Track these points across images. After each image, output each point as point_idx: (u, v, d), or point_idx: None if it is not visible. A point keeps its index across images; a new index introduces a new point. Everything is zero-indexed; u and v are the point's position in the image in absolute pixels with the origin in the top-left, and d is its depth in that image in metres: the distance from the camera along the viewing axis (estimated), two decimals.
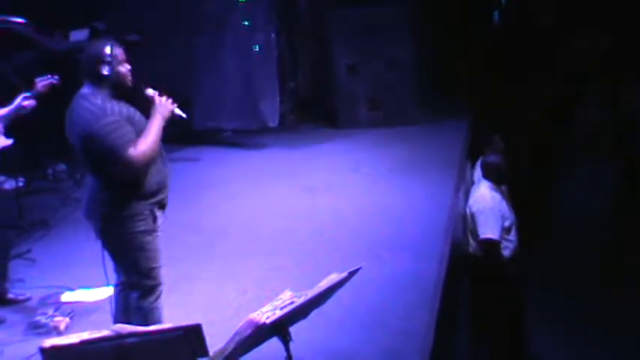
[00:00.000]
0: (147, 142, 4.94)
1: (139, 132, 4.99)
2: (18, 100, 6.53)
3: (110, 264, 5.28)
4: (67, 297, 6.68)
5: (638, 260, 9.76)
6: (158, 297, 5.22)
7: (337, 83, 11.56)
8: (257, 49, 11.02)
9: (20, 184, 8.54)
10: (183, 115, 5.24)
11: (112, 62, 5.02)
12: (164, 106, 5.11)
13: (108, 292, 6.59)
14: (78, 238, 8.00)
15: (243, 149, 10.70)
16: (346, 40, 11.37)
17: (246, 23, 10.98)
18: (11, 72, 8.67)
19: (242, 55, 11.00)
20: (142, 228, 5.07)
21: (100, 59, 5.02)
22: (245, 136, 10.99)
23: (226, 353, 4.01)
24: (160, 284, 5.22)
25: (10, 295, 6.66)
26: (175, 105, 5.18)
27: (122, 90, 5.09)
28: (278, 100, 11.00)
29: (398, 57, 11.28)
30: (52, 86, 6.65)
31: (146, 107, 5.11)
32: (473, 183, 8.82)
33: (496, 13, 14.44)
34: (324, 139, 11.07)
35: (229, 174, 9.75)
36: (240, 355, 4.11)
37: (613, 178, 11.86)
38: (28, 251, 7.60)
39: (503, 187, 8.20)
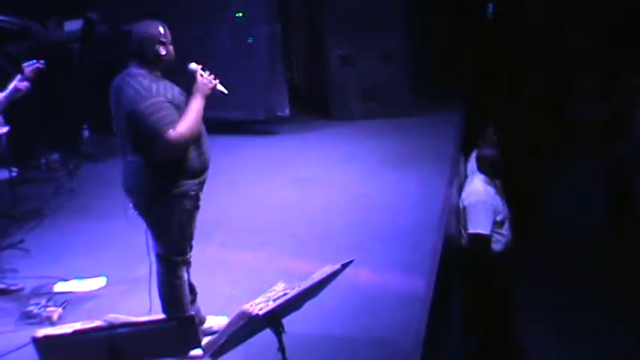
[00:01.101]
0: (186, 124, 5.00)
1: (183, 112, 5.07)
2: (13, 84, 6.52)
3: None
4: (60, 287, 6.67)
5: (633, 258, 9.79)
6: (183, 272, 5.35)
7: (330, 74, 11.54)
8: (251, 40, 11.05)
9: (13, 173, 8.53)
10: (225, 91, 5.29)
11: (165, 42, 5.14)
12: (205, 83, 5.17)
13: (101, 282, 6.65)
14: (71, 228, 8.06)
15: (236, 140, 10.68)
16: (339, 30, 11.36)
17: (240, 15, 11.00)
18: (5, 63, 8.66)
19: (245, 46, 11.06)
20: (188, 207, 5.20)
21: (157, 39, 5.11)
22: (237, 127, 10.98)
23: (219, 344, 4.02)
24: (188, 258, 5.36)
25: (2, 285, 6.66)
26: (217, 81, 5.23)
27: (168, 68, 5.18)
28: (286, 89, 11.13)
29: (392, 48, 11.26)
30: (38, 71, 6.64)
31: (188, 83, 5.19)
32: (466, 176, 8.83)
33: (490, 6, 14.41)
34: (317, 131, 11.06)
35: (221, 165, 9.66)
36: (233, 347, 4.13)
37: (607, 174, 11.85)
38: (22, 241, 7.59)
39: (497, 181, 8.21)
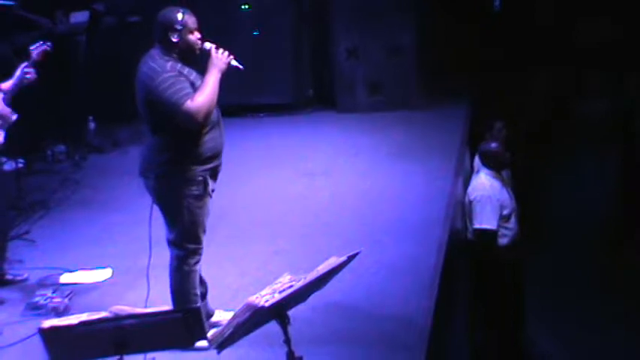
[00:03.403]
0: (204, 94, 5.09)
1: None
2: (18, 72, 6.52)
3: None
4: (66, 278, 6.68)
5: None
6: (198, 261, 5.37)
7: (337, 67, 11.56)
8: (257, 34, 11.18)
9: (20, 165, 8.53)
10: (240, 67, 5.34)
11: (181, 30, 5.17)
12: (220, 58, 5.23)
13: (106, 274, 6.65)
14: (77, 220, 8.07)
15: (242, 133, 10.68)
16: (347, 23, 11.37)
17: (246, 7, 11.15)
18: (11, 54, 8.67)
19: (269, 32, 11.39)
20: (193, 192, 5.22)
21: (171, 26, 5.18)
22: (243, 120, 10.98)
23: (225, 336, 4.01)
24: (201, 248, 5.37)
25: (9, 276, 6.66)
26: (232, 57, 5.28)
27: (190, 57, 5.25)
28: (309, 71, 11.71)
29: (399, 41, 11.26)
30: (45, 53, 6.65)
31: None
32: (472, 171, 8.80)
33: None
34: (323, 123, 11.07)
35: (228, 157, 9.69)
36: (239, 338, 4.12)
37: (615, 169, 11.83)
38: (27, 232, 7.61)
39: (504, 173, 8.20)
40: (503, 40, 13.27)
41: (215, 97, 5.15)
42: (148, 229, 5.33)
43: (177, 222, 5.27)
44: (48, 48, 6.68)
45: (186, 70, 5.18)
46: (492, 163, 8.04)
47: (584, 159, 12.11)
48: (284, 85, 11.48)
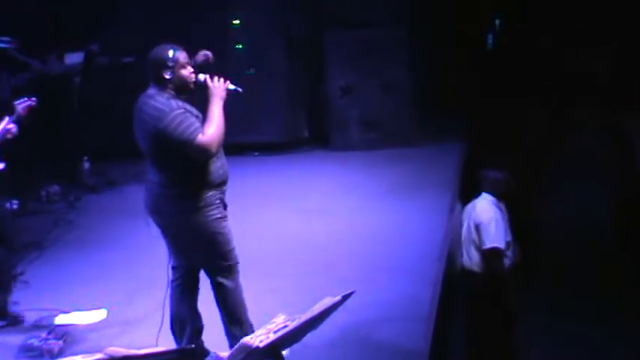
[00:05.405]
0: (213, 126, 5.15)
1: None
2: (2, 125, 6.51)
3: (169, 261, 5.45)
4: (60, 319, 6.63)
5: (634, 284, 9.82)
6: (237, 276, 5.42)
7: (331, 104, 11.59)
8: (251, 72, 11.24)
9: (14, 205, 8.50)
10: (239, 89, 5.41)
11: (173, 66, 5.23)
12: (218, 87, 5.30)
13: (101, 315, 6.62)
14: (71, 261, 8.03)
15: (236, 171, 10.64)
16: (342, 61, 11.41)
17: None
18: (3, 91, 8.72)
19: (264, 72, 11.42)
20: (217, 215, 5.31)
21: (163, 64, 5.23)
22: (237, 158, 10.96)
23: None
24: (237, 263, 5.43)
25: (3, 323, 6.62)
26: (228, 82, 5.35)
27: (185, 91, 5.31)
28: (304, 112, 11.68)
29: (394, 79, 11.30)
30: (30, 109, 6.64)
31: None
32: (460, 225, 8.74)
33: (490, 37, 14.49)
34: (317, 161, 11.08)
35: None
36: None
37: (610, 203, 11.86)
38: (22, 273, 7.56)
39: (502, 205, 8.26)
40: (498, 75, 13.36)
41: (223, 125, 5.20)
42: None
43: (208, 249, 5.32)
44: (33, 103, 6.66)
45: (188, 106, 5.22)
46: (494, 189, 8.14)
47: (577, 190, 12.14)
48: (278, 124, 11.50)
